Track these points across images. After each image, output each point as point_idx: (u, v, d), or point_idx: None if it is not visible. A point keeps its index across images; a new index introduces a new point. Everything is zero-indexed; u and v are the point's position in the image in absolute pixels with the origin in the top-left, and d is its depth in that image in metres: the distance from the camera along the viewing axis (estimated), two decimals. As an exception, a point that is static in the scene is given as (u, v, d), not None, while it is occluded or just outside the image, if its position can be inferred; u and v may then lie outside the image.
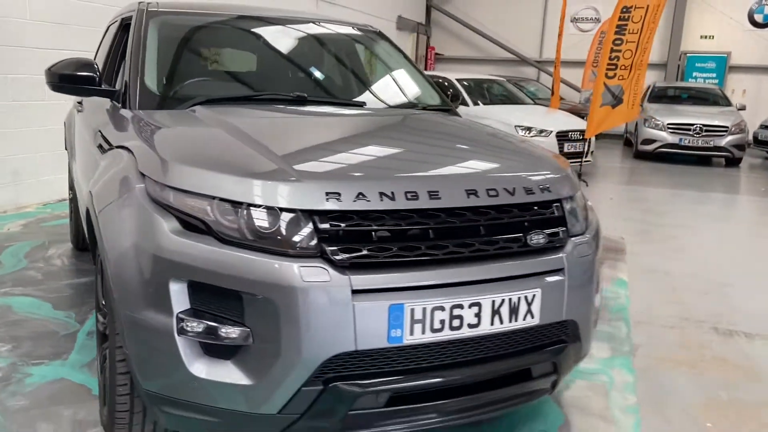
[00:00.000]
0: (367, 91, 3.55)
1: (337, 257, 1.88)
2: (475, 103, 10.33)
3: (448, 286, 1.98)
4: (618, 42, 9.21)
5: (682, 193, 9.03)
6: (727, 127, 11.88)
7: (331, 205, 1.91)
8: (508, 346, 2.12)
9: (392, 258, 1.94)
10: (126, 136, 2.45)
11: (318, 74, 3.52)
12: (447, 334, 1.97)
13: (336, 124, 2.74)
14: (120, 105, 2.81)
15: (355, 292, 1.86)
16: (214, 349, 1.92)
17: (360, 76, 3.61)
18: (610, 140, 16.29)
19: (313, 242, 1.89)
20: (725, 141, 11.87)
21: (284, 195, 1.91)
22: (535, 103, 11.61)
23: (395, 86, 3.57)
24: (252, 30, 3.41)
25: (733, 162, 12.24)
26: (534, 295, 2.11)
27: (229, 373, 1.90)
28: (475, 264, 2.05)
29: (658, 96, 13.77)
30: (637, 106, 9.73)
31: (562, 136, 9.66)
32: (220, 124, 2.40)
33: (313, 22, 3.69)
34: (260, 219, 1.89)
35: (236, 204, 1.91)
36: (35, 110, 6.23)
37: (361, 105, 3.14)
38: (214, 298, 1.90)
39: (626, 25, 9.15)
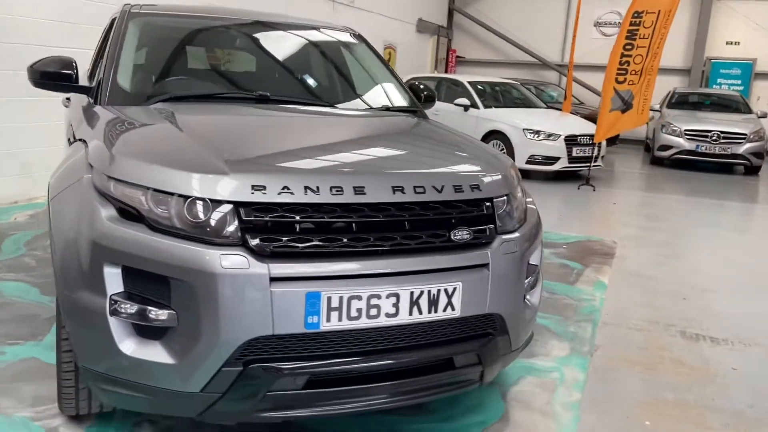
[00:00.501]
0: (334, 92, 3.67)
1: (258, 246, 2.01)
2: (486, 106, 10.38)
3: (365, 276, 2.09)
4: (629, 47, 9.19)
5: (692, 201, 8.97)
6: (745, 134, 11.73)
7: (256, 198, 2.04)
8: (428, 336, 2.22)
9: (313, 249, 2.06)
10: (87, 129, 2.61)
11: (288, 75, 3.65)
12: (364, 323, 2.09)
13: (287, 122, 2.87)
14: (93, 101, 2.98)
15: (273, 279, 1.99)
16: (145, 330, 2.06)
17: (330, 77, 3.74)
18: (631, 145, 16.18)
19: (236, 232, 2.02)
20: (743, 149, 11.70)
21: (211, 187, 2.04)
22: (549, 107, 11.61)
23: (364, 88, 3.69)
24: (227, 32, 3.57)
25: (751, 170, 12.06)
26: (455, 288, 2.20)
27: (156, 353, 2.04)
28: (395, 257, 2.15)
29: (679, 102, 13.63)
30: (647, 112, 9.69)
31: (571, 140, 9.67)
32: (174, 120, 2.54)
33: (290, 25, 3.83)
34: (188, 209, 2.03)
35: (168, 194, 2.05)
36: (48, 105, 6.46)
37: (324, 105, 3.26)
38: (145, 282, 2.04)
39: (637, 30, 9.13)
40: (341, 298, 2.04)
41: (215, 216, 2.03)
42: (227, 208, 2.03)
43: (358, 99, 3.62)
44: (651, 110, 13.39)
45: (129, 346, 2.05)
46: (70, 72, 2.99)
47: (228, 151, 2.25)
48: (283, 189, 2.07)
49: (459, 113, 10.45)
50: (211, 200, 2.03)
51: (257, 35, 3.67)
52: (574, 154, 9.71)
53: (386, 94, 3.63)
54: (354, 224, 2.14)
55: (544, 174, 10.01)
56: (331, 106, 3.29)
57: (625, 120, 9.52)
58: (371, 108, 3.49)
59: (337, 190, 2.13)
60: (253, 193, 2.05)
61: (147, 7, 3.54)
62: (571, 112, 11.89)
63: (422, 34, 16.43)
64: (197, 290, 1.97)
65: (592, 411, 2.88)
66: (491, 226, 2.37)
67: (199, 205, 2.03)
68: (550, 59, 17.92)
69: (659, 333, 3.87)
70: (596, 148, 9.75)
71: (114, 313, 2.04)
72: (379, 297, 2.09)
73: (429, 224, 2.25)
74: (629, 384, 3.17)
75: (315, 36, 3.91)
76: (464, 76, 11.47)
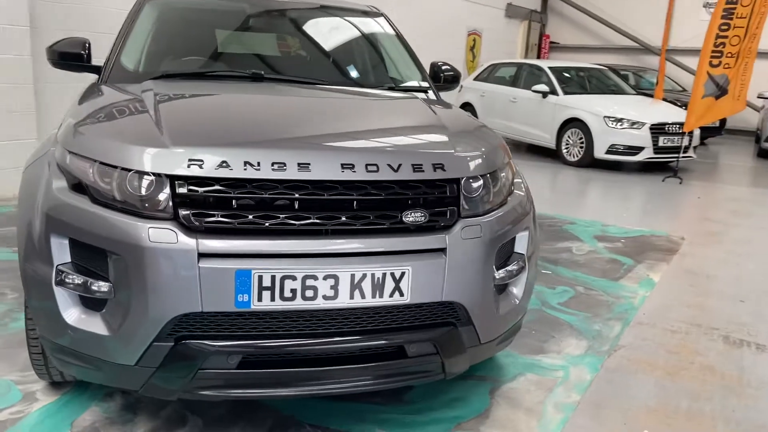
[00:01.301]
0: (336, 71, 3.57)
1: (189, 221, 1.97)
2: (567, 93, 9.90)
3: (301, 256, 2.01)
4: (725, 27, 8.45)
5: (791, 196, 8.14)
6: None
7: (192, 171, 2.01)
8: (375, 322, 2.11)
9: (247, 225, 2.00)
10: (73, 106, 2.68)
11: (294, 54, 3.61)
12: (299, 304, 2.01)
13: (263, 100, 2.81)
14: (98, 80, 3.07)
15: (202, 255, 1.95)
16: (88, 301, 2.08)
17: (338, 56, 3.65)
18: (741, 136, 14.95)
19: (169, 205, 1.99)
20: None
21: (149, 160, 2.03)
22: (644, 95, 10.90)
23: (372, 66, 3.58)
24: (235, 13, 3.56)
25: None
26: (403, 273, 2.08)
27: (96, 324, 2.06)
28: (337, 237, 2.05)
29: (793, 88, 12.41)
30: (744, 98, 8.87)
31: (657, 129, 9.04)
32: (148, 97, 2.55)
33: (305, 5, 3.78)
34: (129, 182, 2.03)
35: (111, 167, 2.06)
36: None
37: (320, 83, 3.18)
38: (88, 253, 2.06)
39: (734, 8, 8.37)
40: (273, 277, 1.97)
41: (151, 189, 2.01)
42: (163, 181, 2.01)
43: (361, 77, 3.52)
44: (761, 98, 12.32)
45: (72, 316, 2.09)
46: (81, 52, 3.08)
47: (179, 127, 2.22)
48: (221, 164, 2.02)
49: (537, 100, 10.04)
50: (149, 173, 2.02)
51: (267, 16, 3.65)
52: (660, 143, 9.07)
53: (395, 72, 3.50)
54: (297, 202, 2.05)
55: (629, 165, 9.44)
56: (329, 84, 3.21)
57: (720, 107, 8.77)
58: (372, 86, 3.37)
59: (280, 166, 2.05)
60: (189, 167, 2.01)
61: None
62: (668, 100, 11.13)
63: (512, 19, 15.93)
64: (128, 263, 1.96)
65: (587, 414, 2.65)
66: (453, 208, 2.21)
67: (137, 178, 2.02)
68: (652, 43, 16.85)
69: (697, 336, 3.51)
70: (687, 138, 9.05)
71: (60, 283, 2.07)
72: (315, 278, 2.00)
73: (381, 204, 2.12)
74: (642, 389, 2.89)
75: (329, 15, 3.83)
76: (546, 62, 11.00)
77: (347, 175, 2.10)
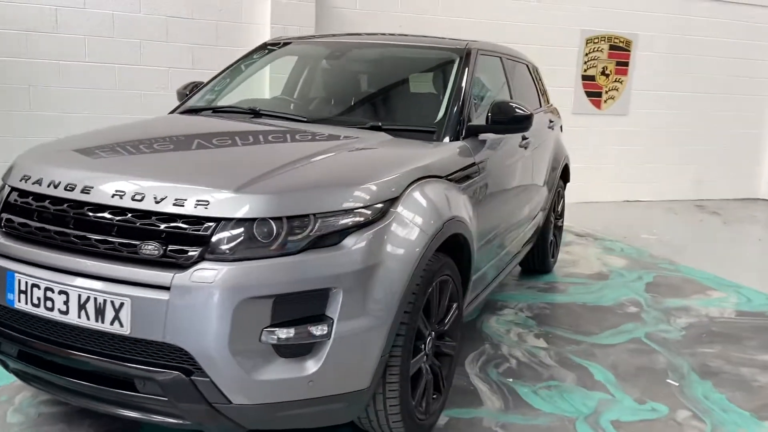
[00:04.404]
0: (355, 110, 3.53)
1: (1, 224, 2.37)
2: None
3: (46, 268, 2.19)
4: None
5: None
6: None
7: (20, 185, 2.40)
8: (102, 346, 2.14)
9: (25, 233, 2.30)
10: None
11: (341, 95, 3.67)
12: (42, 312, 2.19)
13: (215, 133, 2.99)
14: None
15: (-2, 254, 2.31)
16: None
17: (380, 96, 3.58)
18: None
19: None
20: None
21: (8, 174, 2.49)
22: None
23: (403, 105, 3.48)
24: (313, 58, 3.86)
25: None
26: (122, 304, 2.07)
27: None
28: (76, 255, 2.17)
29: None
30: None
31: None
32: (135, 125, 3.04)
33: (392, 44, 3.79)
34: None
35: None
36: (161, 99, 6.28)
37: (300, 121, 3.17)
38: None
39: None
40: (26, 283, 2.21)
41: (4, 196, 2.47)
42: (7, 190, 2.45)
43: (353, 116, 3.44)
44: None
45: None
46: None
47: (57, 147, 2.65)
48: (37, 180, 2.36)
49: None
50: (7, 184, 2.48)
51: (349, 58, 3.85)
52: None
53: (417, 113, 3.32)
54: (72, 220, 2.24)
55: None
56: (312, 122, 3.18)
57: None
58: (353, 124, 3.16)
59: (70, 187, 2.28)
60: (21, 180, 2.41)
61: (290, 38, 4.10)
62: None
63: None
64: None
65: None
66: (196, 248, 2.06)
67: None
68: None
69: None
70: None
71: None
72: (53, 291, 2.16)
73: (129, 232, 2.14)
74: None
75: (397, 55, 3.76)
76: None
77: (115, 201, 2.19)
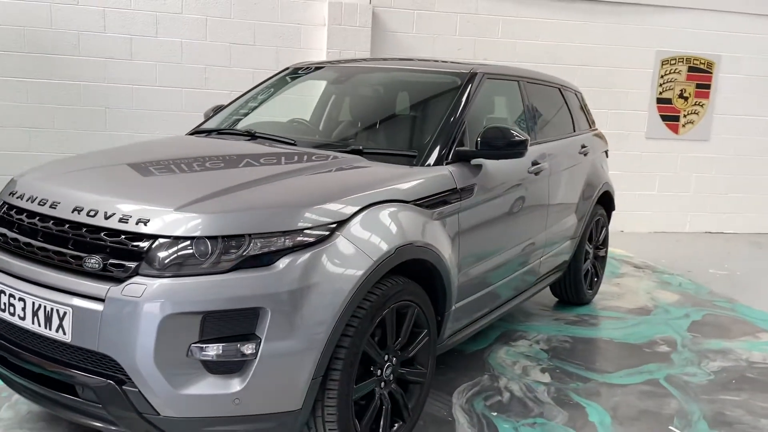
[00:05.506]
0: (352, 135, 3.59)
1: None
2: None
3: (10, 275, 2.39)
4: None
5: None
6: None
7: (9, 199, 2.63)
8: (51, 351, 2.30)
9: (2, 242, 2.51)
10: None
11: (334, 119, 3.69)
12: (6, 316, 2.39)
13: (193, 155, 3.10)
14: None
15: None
16: None
17: (382, 121, 3.60)
18: None
19: None
20: None
21: (4, 190, 2.74)
22: None
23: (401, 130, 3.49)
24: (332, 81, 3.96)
25: None
26: (65, 313, 2.22)
27: None
28: (36, 264, 2.35)
29: None
30: None
31: None
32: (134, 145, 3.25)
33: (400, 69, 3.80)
34: None
35: None
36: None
37: (290, 143, 3.23)
38: None
39: None
40: (-2, 290, 2.42)
41: None
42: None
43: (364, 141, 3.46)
44: None
45: None
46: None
47: (60, 168, 2.85)
48: (20, 195, 2.58)
49: None
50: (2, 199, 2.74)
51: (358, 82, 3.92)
52: None
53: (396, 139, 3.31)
54: (39, 232, 2.43)
55: None
56: (307, 145, 3.24)
57: None
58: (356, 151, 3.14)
59: (42, 202, 2.48)
60: (10, 194, 2.64)
61: (313, 63, 4.22)
62: None
63: None
64: None
65: None
66: (132, 263, 2.18)
67: None
68: None
69: None
70: None
71: None
72: (14, 297, 2.36)
73: (80, 246, 2.29)
74: None
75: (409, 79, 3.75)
76: None
77: (73, 216, 2.36)
